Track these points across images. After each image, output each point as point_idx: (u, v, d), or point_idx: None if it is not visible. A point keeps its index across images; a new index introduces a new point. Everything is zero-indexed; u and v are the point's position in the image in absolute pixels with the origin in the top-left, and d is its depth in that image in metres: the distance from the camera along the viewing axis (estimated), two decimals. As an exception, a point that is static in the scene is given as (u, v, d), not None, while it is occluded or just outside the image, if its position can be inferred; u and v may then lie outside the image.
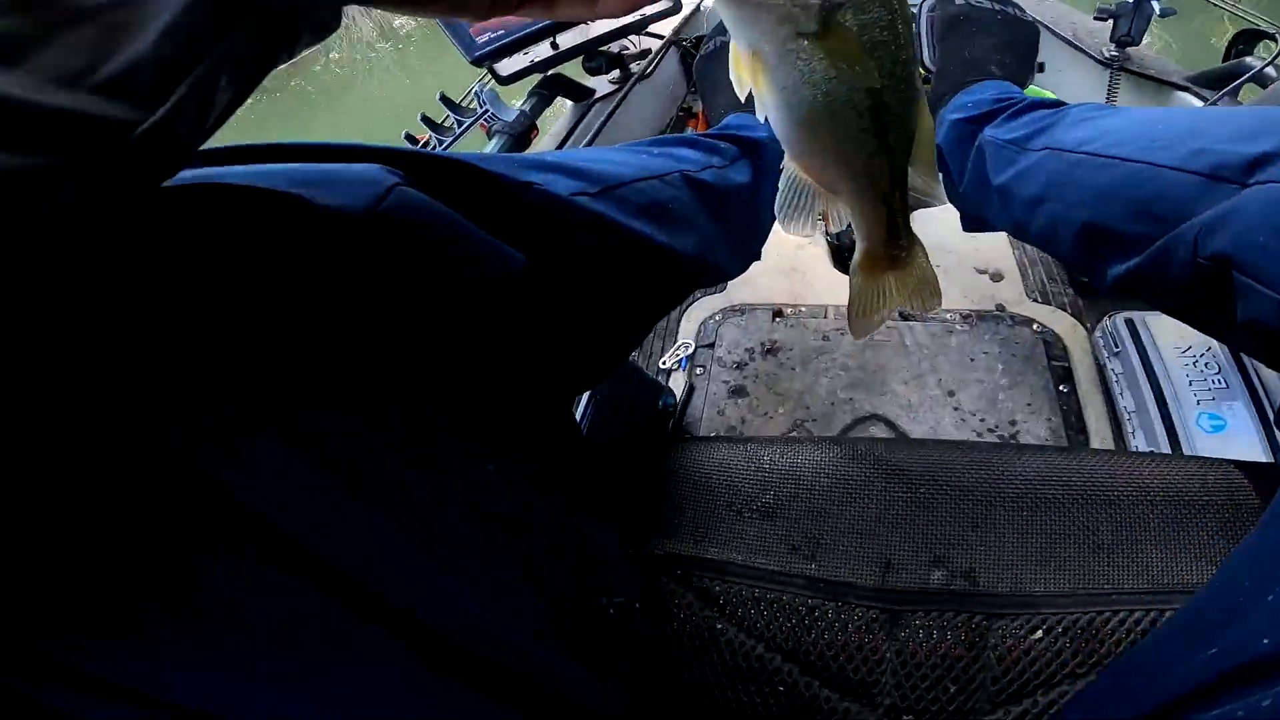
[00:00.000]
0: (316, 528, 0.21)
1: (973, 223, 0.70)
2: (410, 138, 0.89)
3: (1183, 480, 0.40)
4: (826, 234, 1.08)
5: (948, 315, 0.88)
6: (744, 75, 0.29)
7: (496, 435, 0.29)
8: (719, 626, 0.35)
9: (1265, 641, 0.22)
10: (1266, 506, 0.30)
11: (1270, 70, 0.82)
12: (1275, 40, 0.84)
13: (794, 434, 0.76)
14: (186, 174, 0.22)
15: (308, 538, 0.21)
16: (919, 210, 1.05)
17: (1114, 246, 0.46)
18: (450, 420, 0.27)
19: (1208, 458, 0.42)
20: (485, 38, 0.78)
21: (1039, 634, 0.36)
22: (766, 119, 0.30)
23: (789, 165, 0.34)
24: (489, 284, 0.29)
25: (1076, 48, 1.08)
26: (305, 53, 0.21)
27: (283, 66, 0.20)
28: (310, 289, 0.23)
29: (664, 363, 0.82)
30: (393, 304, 0.25)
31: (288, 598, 0.21)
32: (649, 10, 0.94)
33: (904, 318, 0.88)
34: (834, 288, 0.95)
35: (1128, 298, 0.56)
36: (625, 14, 0.29)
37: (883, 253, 0.36)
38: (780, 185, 0.34)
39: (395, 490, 0.23)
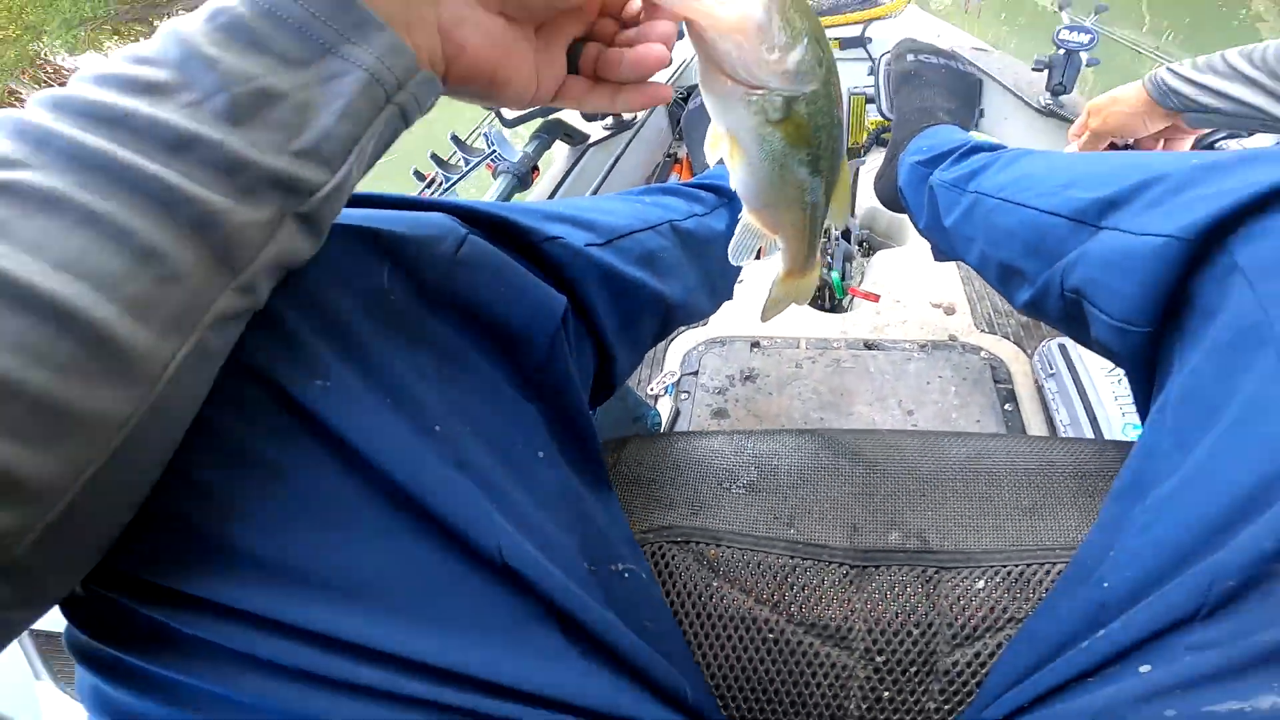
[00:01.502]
0: (412, 475, 0.25)
1: (940, 254, 0.78)
2: (419, 174, 0.97)
3: (1090, 457, 0.48)
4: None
5: (907, 345, 0.97)
6: (718, 149, 0.37)
7: (540, 429, 0.35)
8: (714, 584, 0.42)
9: (1105, 584, 0.31)
10: None
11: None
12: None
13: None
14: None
15: (405, 481, 0.25)
16: (882, 250, 1.17)
17: (1019, 280, 0.55)
18: (509, 416, 0.33)
19: (1111, 440, 0.51)
20: None
21: (981, 584, 0.43)
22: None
23: (745, 215, 0.42)
24: (542, 317, 0.35)
25: (1017, 96, 1.21)
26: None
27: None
28: (409, 310, 0.29)
29: (652, 389, 0.90)
30: (474, 328, 0.32)
31: (394, 538, 0.25)
32: None
33: (868, 347, 0.97)
34: (806, 322, 1.04)
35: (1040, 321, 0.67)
36: (639, 110, 0.38)
37: (798, 269, 0.46)
38: (736, 231, 0.43)
39: (472, 458, 0.29)
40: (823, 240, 0.44)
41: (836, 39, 1.47)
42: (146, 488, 0.21)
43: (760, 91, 0.33)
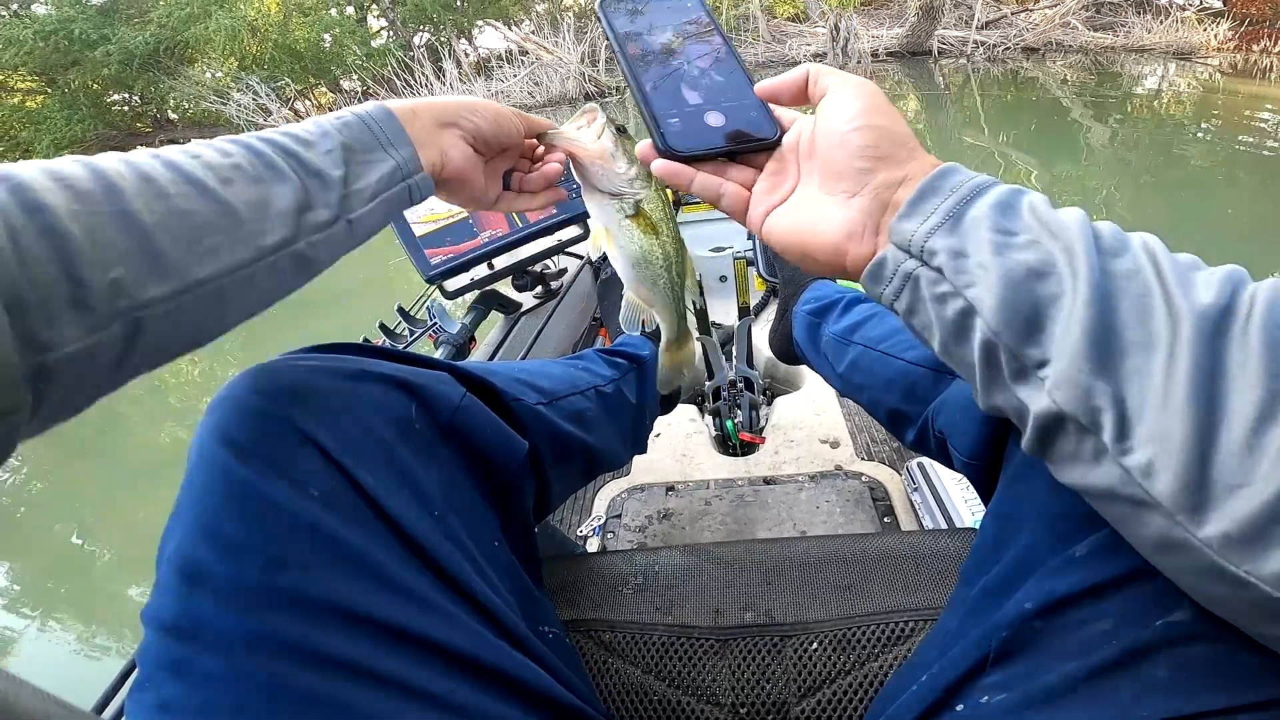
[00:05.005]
0: (422, 537, 0.38)
1: (842, 393, 0.88)
2: (368, 340, 1.11)
3: (894, 545, 0.64)
4: (713, 427, 1.36)
5: (800, 477, 1.14)
6: (600, 241, 0.52)
7: (498, 528, 0.48)
8: (610, 661, 0.55)
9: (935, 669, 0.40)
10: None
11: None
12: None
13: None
14: (353, 363, 0.42)
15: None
16: (782, 396, 1.37)
17: (905, 422, 0.68)
18: (480, 514, 0.47)
19: (912, 530, 0.67)
20: (437, 260, 0.99)
21: (816, 645, 0.57)
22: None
23: (628, 294, 0.57)
24: (512, 455, 0.49)
25: None
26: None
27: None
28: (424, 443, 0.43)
29: (581, 531, 1.03)
30: (466, 455, 0.46)
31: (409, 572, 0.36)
32: (564, 236, 1.19)
33: (766, 482, 1.14)
34: (715, 467, 1.20)
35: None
36: (548, 204, 0.55)
37: (675, 339, 0.60)
38: (623, 308, 0.57)
39: (456, 535, 0.41)
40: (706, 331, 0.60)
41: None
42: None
43: (617, 196, 0.50)
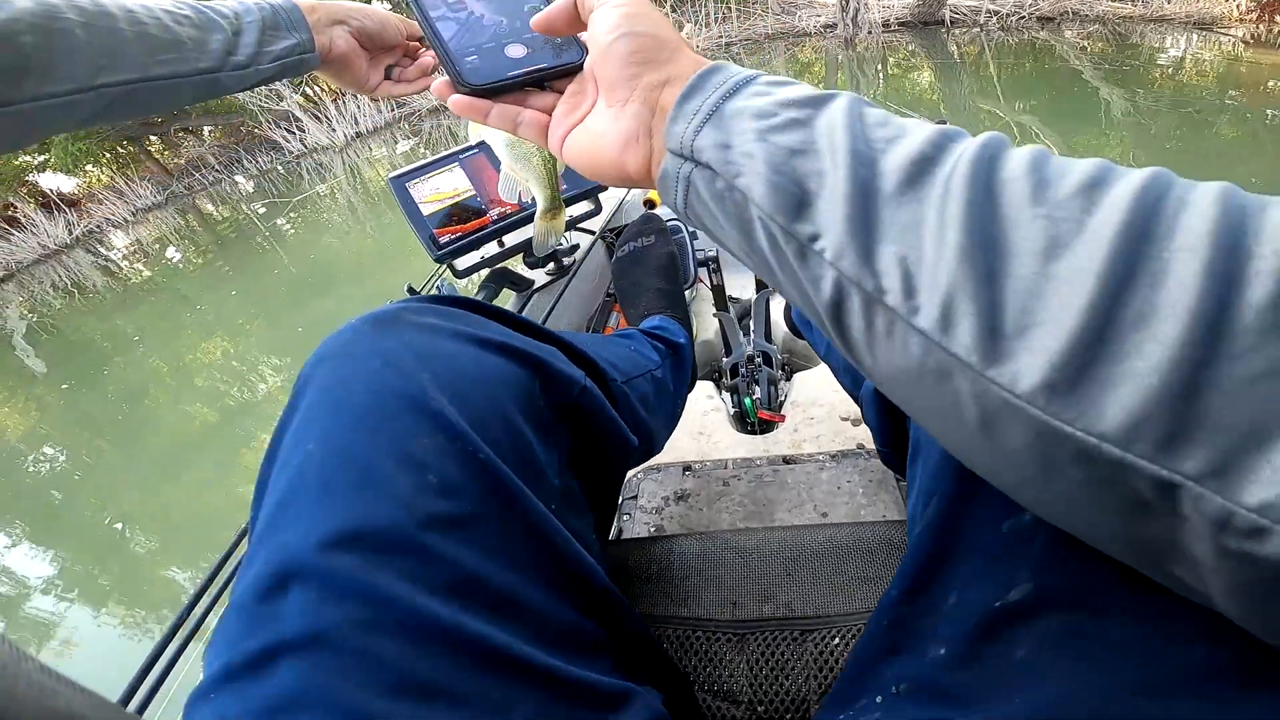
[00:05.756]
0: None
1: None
2: None
3: (920, 531, 0.62)
4: (731, 405, 1.33)
5: (820, 456, 1.12)
6: (476, 127, 0.57)
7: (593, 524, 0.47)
8: (627, 658, 0.53)
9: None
10: None
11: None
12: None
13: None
14: (475, 324, 0.41)
15: None
16: (801, 371, 1.33)
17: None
18: (579, 508, 0.45)
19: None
20: (446, 239, 0.98)
21: (837, 640, 0.55)
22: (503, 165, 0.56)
23: (504, 169, 0.57)
24: (623, 451, 0.50)
25: None
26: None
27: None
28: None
29: (598, 515, 1.01)
30: (580, 439, 0.46)
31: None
32: (575, 211, 1.17)
33: (786, 461, 1.11)
34: (734, 445, 1.18)
35: None
36: (418, 90, 0.71)
37: (548, 209, 0.61)
38: (500, 179, 0.59)
39: (561, 495, 0.42)
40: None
41: None
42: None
43: None
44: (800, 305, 0.30)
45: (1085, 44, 6.56)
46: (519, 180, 0.58)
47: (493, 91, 0.42)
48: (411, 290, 1.11)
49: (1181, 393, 0.19)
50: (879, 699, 0.35)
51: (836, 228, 0.26)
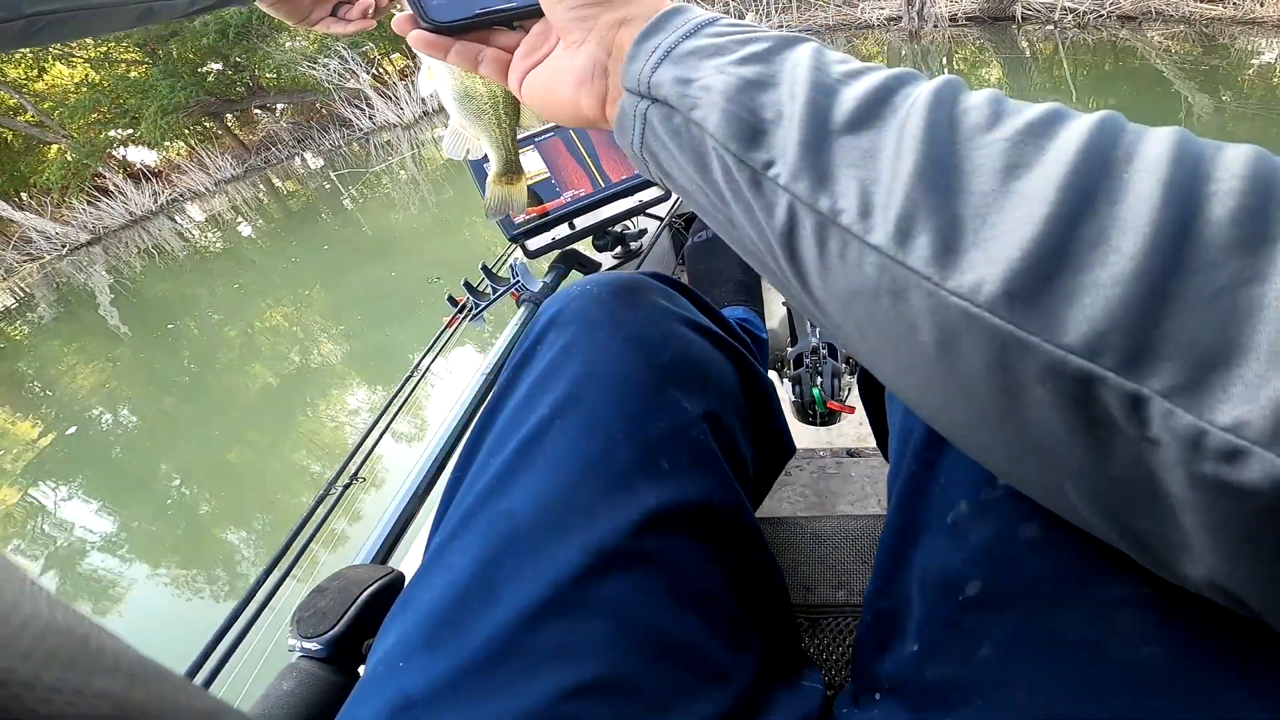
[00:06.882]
0: None
1: None
2: (452, 299, 1.11)
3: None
4: (794, 393, 1.32)
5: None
6: (429, 76, 0.49)
7: None
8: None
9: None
10: None
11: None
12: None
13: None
14: (693, 315, 0.44)
15: None
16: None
17: None
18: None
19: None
20: (520, 219, 1.00)
21: (913, 632, 0.54)
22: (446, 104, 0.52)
23: (452, 123, 0.52)
24: (782, 456, 0.56)
25: None
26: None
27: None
28: None
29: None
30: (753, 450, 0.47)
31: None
32: (644, 197, 1.16)
33: (850, 455, 1.09)
34: (796, 436, 1.16)
35: None
36: (360, 28, 0.64)
37: (502, 172, 0.56)
38: (447, 134, 0.54)
39: None
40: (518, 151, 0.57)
41: None
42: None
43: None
44: (753, 242, 0.30)
45: (1170, 44, 6.22)
46: (469, 137, 0.55)
47: (460, 29, 0.40)
48: (486, 269, 1.14)
49: (1146, 305, 0.18)
50: (877, 696, 0.36)
51: (792, 152, 0.26)
